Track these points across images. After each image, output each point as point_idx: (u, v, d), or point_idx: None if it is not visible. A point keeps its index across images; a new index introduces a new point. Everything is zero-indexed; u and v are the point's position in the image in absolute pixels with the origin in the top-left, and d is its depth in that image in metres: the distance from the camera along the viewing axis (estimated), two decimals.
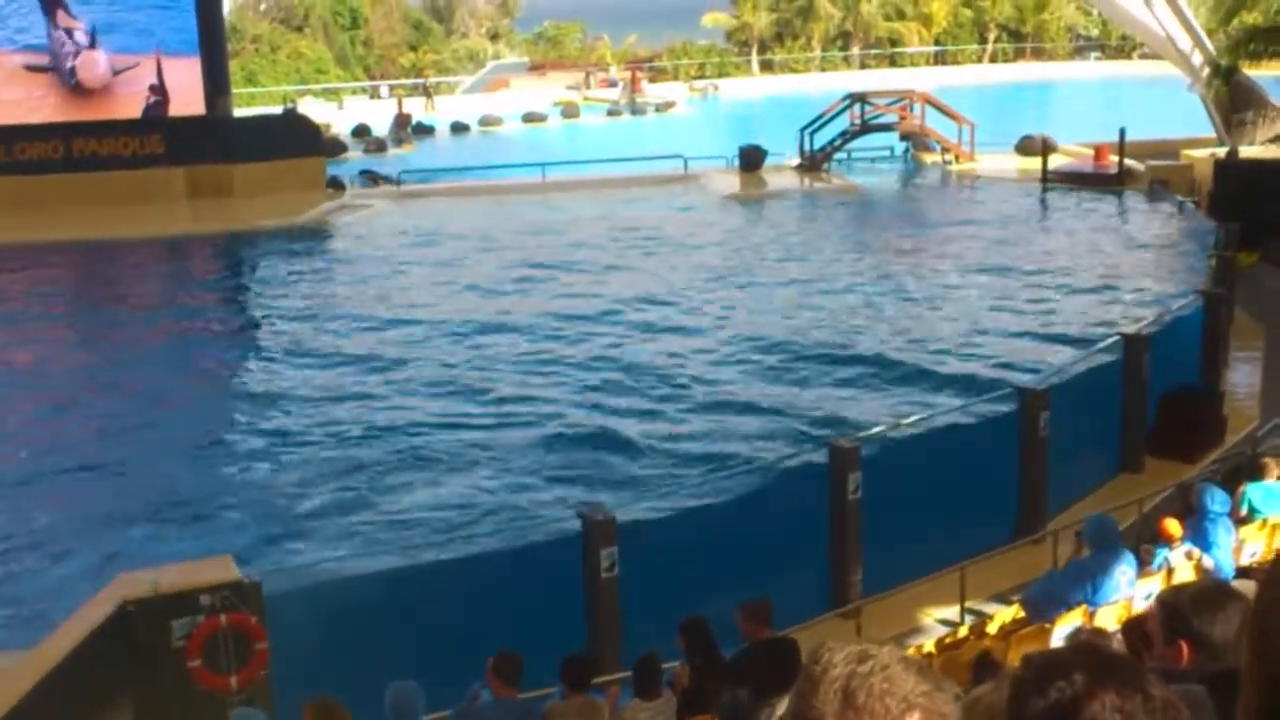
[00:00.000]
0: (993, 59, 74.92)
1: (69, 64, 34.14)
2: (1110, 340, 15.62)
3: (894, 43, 74.75)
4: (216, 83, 35.27)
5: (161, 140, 34.75)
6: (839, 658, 2.13)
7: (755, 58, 73.29)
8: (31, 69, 34.18)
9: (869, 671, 2.09)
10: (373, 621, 10.21)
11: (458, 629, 10.14)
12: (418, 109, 56.27)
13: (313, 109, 52.15)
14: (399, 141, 50.28)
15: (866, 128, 38.63)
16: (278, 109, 52.26)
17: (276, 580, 9.96)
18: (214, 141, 34.77)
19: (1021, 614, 9.22)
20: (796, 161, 38.13)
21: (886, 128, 39.03)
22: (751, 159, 37.31)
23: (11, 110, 34.00)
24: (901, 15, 74.75)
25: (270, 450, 16.73)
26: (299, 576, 10.63)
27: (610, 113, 58.03)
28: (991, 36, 75.86)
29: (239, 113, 39.85)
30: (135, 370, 20.88)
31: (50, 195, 33.30)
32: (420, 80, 66.17)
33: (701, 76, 69.65)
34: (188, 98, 34.74)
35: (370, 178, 37.24)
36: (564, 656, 8.01)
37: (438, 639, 10.12)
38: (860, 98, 38.82)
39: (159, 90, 34.67)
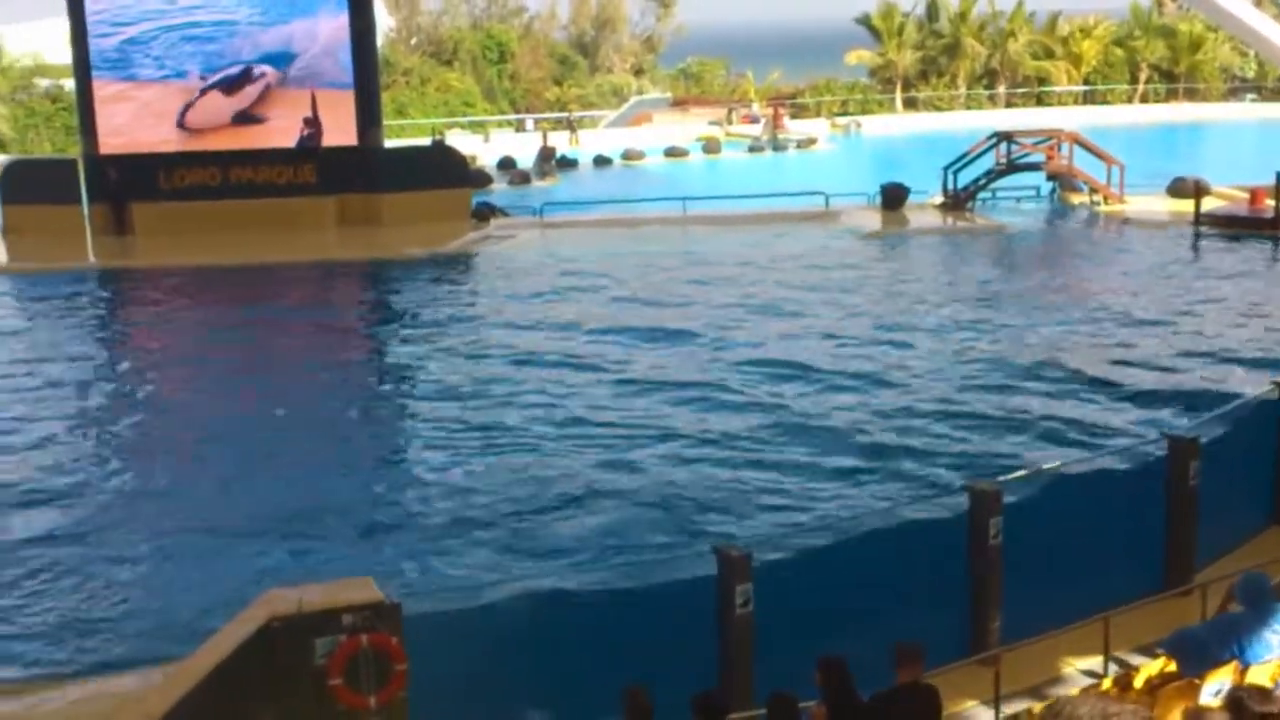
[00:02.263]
0: (1144, 99, 73.34)
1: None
2: (1265, 389, 15.16)
3: (1042, 81, 73.59)
4: (369, 115, 36.14)
5: (315, 170, 35.74)
6: (1081, 712, 2.08)
7: (899, 95, 72.77)
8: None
9: None
10: (508, 649, 10.29)
11: (591, 661, 10.18)
12: (562, 142, 56.91)
13: (460, 141, 53.06)
14: (543, 174, 50.88)
15: (1012, 167, 38.08)
16: (426, 141, 53.32)
17: (417, 603, 10.10)
18: (365, 171, 35.65)
19: (1169, 668, 8.97)
20: (940, 200, 37.74)
21: (1033, 167, 38.40)
22: (894, 197, 37.03)
23: (171, 137, 35.32)
24: (1050, 54, 73.59)
25: (412, 473, 17.05)
26: (439, 600, 10.77)
27: (751, 148, 58.02)
28: (1143, 76, 74.29)
29: (389, 144, 40.71)
30: (285, 390, 21.46)
31: (208, 221, 34.46)
32: (565, 114, 66.96)
33: (844, 113, 69.32)
34: (341, 129, 35.65)
35: (488, 210, 37.48)
36: (698, 692, 7.98)
37: (570, 670, 10.17)
38: (1006, 136, 38.30)
39: (313, 123, 35.65)
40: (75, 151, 42.93)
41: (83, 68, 35.49)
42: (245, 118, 35.53)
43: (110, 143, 35.24)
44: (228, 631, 9.77)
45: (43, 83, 67.74)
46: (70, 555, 14.44)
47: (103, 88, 35.25)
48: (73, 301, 28.96)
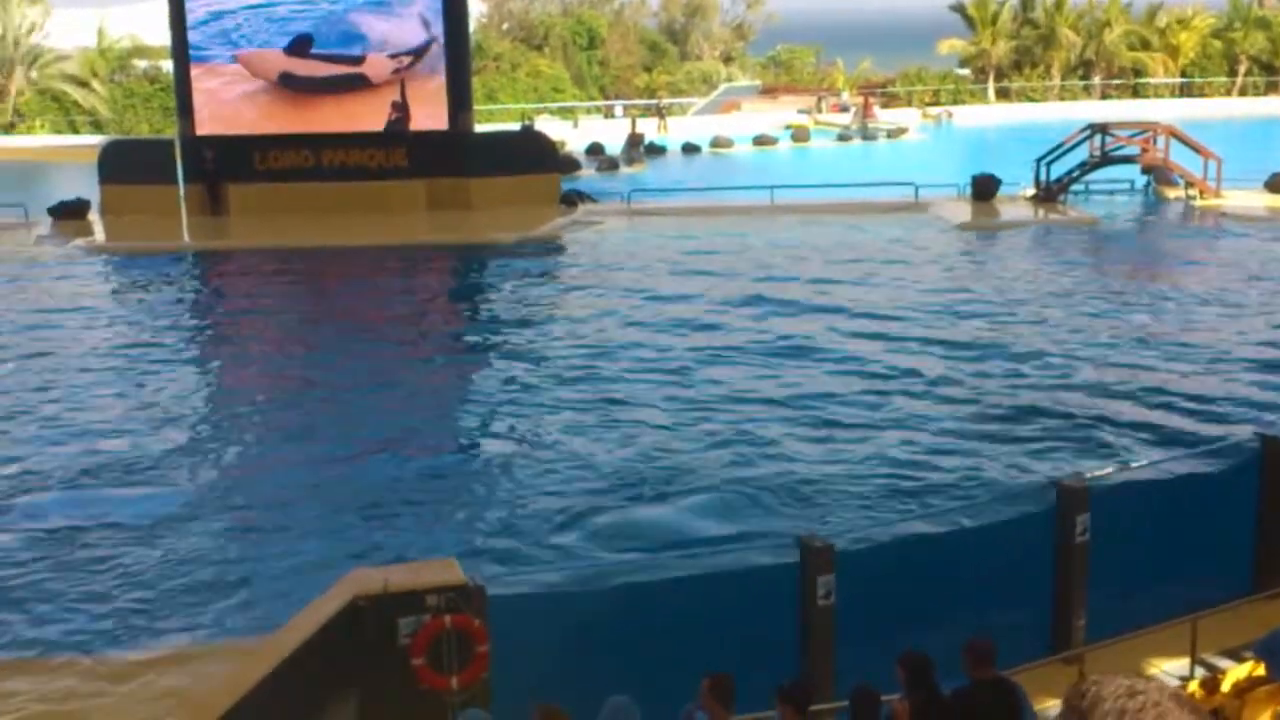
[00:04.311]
0: (1242, 92, 71.87)
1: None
2: None
3: (1138, 73, 72.33)
4: (459, 99, 36.35)
5: (406, 153, 36.05)
6: (1108, 692, 2.08)
7: (992, 85, 71.90)
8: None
9: (1140, 708, 2.04)
10: (588, 634, 10.37)
11: (670, 648, 10.22)
12: (650, 129, 56.93)
13: (549, 126, 53.27)
14: (631, 161, 50.95)
15: (1106, 159, 37.48)
16: (515, 126, 53.60)
17: (500, 585, 10.21)
18: (454, 156, 35.90)
19: (1258, 671, 8.82)
20: (1031, 192, 37.26)
21: (1128, 160, 37.77)
22: (984, 188, 36.63)
23: (265, 120, 35.78)
24: (1146, 45, 72.31)
25: (499, 455, 17.17)
26: (521, 583, 10.87)
27: (841, 137, 57.66)
28: (1242, 69, 72.74)
29: (479, 129, 40.96)
30: (374, 370, 21.74)
31: (300, 202, 34.94)
32: (654, 101, 66.97)
33: (935, 103, 68.62)
34: (432, 113, 35.89)
35: (576, 196, 37.56)
36: (786, 682, 7.99)
37: (649, 656, 10.22)
38: (1101, 128, 37.70)
39: (400, 107, 35.90)
40: (172, 132, 43.75)
41: (180, 50, 36.06)
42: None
43: (206, 124, 35.80)
44: (314, 608, 9.95)
45: (141, 64, 69.00)
46: (160, 531, 14.73)
47: (199, 69, 35.80)
48: (167, 280, 29.52)
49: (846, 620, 10.52)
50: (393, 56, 35.57)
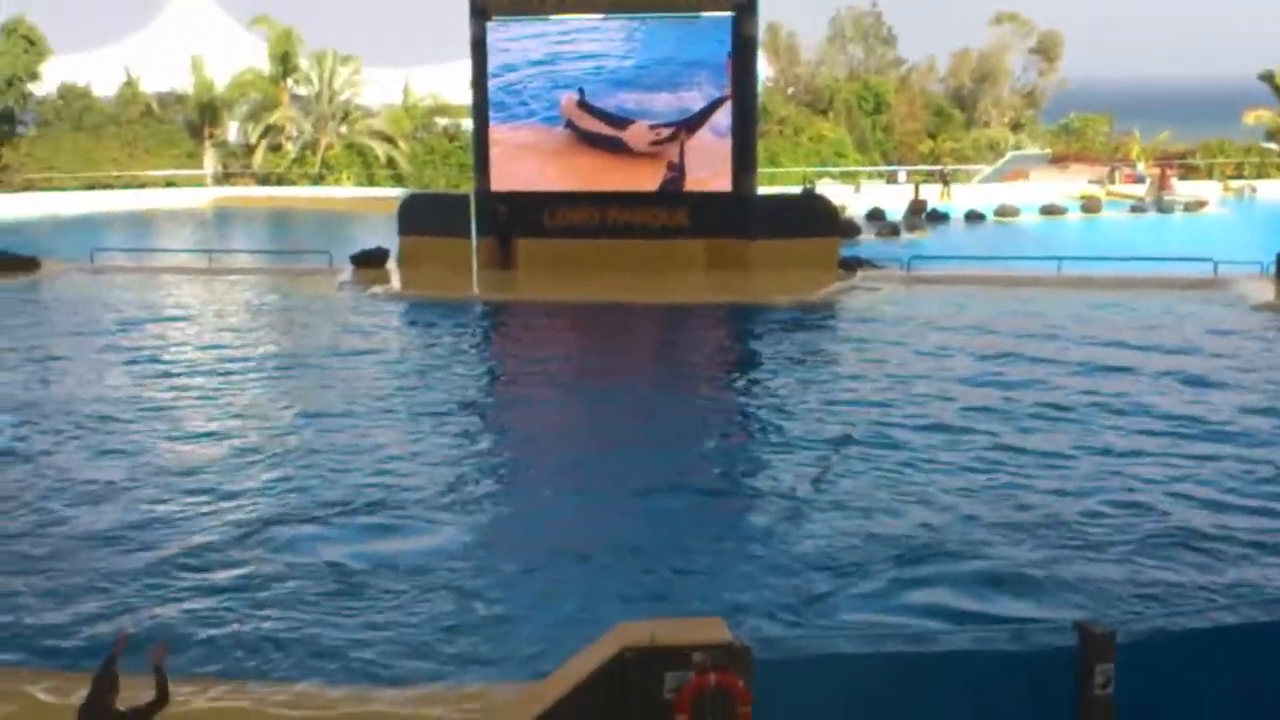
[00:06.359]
0: None
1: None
2: None
3: None
4: (744, 162, 36.75)
5: (688, 214, 36.60)
6: None
7: None
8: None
9: None
10: (852, 704, 10.16)
11: None
12: (933, 196, 56.30)
13: (830, 190, 53.27)
14: (912, 227, 50.50)
15: None
16: (796, 189, 53.79)
17: (766, 648, 10.12)
18: (735, 217, 36.27)
19: None
20: None
21: None
22: None
23: (546, 177, 36.91)
24: None
25: (768, 515, 17.10)
26: (788, 647, 10.74)
27: (1134, 209, 55.78)
28: None
29: (760, 191, 41.26)
30: (647, 424, 22.05)
31: (585, 259, 35.91)
32: (938, 167, 66.21)
33: (1239, 176, 65.60)
34: (715, 174, 36.32)
35: (855, 262, 37.19)
36: None
37: None
38: None
39: (676, 168, 36.50)
40: (467, 187, 45.64)
41: (481, 108, 37.65)
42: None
43: (500, 180, 37.17)
44: (581, 658, 10.08)
45: (441, 121, 72.52)
46: (428, 571, 15.13)
47: (496, 128, 37.26)
48: (457, 329, 30.75)
49: (1126, 714, 10.02)
50: (652, 128, 36.25)
